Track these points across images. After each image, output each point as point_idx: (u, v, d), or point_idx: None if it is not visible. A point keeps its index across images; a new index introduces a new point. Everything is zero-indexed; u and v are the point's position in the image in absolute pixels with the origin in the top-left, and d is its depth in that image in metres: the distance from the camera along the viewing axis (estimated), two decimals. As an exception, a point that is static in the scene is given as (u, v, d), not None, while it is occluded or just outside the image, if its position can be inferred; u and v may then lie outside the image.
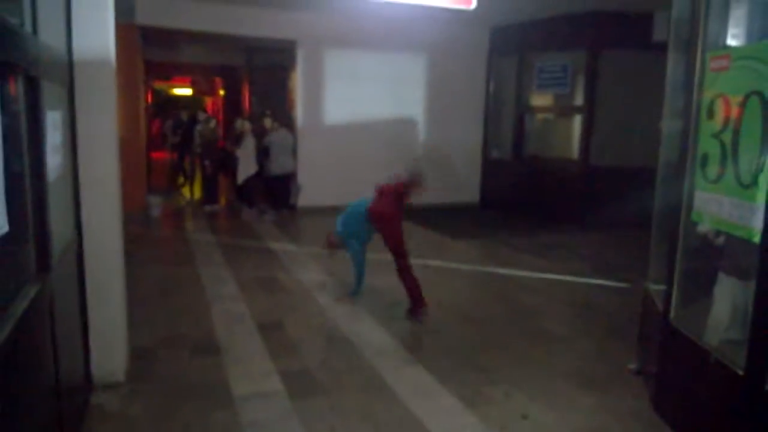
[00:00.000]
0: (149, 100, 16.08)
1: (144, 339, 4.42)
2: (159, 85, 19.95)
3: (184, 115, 13.19)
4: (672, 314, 3.48)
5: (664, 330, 3.52)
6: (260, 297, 5.63)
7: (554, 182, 10.19)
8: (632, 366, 4.15)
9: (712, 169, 3.08)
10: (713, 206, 3.09)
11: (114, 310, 3.74)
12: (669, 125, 4.26)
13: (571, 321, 5.23)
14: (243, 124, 10.17)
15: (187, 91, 21.06)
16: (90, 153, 3.47)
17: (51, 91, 2.77)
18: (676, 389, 3.44)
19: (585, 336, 4.86)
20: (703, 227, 3.47)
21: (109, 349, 3.73)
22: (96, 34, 3.46)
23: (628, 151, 9.74)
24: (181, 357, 4.21)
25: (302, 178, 10.50)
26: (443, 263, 7.10)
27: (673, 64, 4.15)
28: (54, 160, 2.81)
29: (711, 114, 3.10)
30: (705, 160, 3.16)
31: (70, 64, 3.32)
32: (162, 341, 4.46)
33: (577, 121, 10.02)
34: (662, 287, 3.87)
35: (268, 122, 9.89)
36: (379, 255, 7.30)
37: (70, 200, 3.30)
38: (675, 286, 3.46)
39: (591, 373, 4.12)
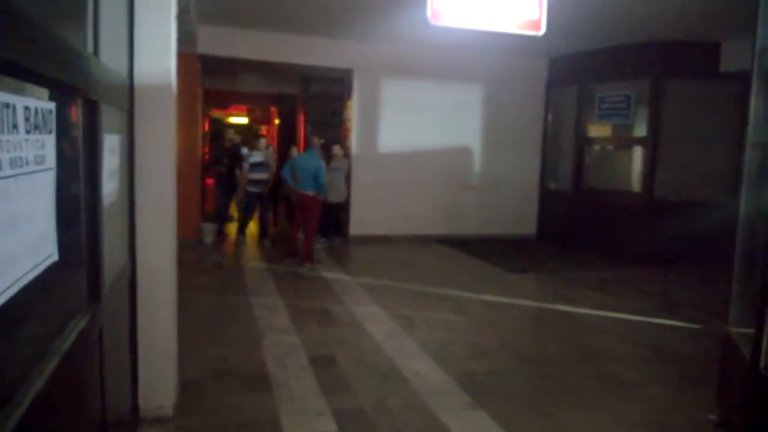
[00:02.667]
0: (207, 128, 16.37)
1: (194, 371, 4.30)
2: (216, 113, 20.33)
3: (227, 142, 10.48)
4: (762, 362, 3.14)
5: (753, 379, 3.18)
6: (312, 329, 5.46)
7: (615, 215, 9.78)
8: (712, 417, 3.79)
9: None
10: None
11: (165, 340, 3.63)
12: (752, 156, 3.94)
13: (640, 365, 4.87)
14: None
15: (243, 120, 21.40)
16: (147, 178, 3.40)
17: (110, 115, 2.70)
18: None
19: (657, 382, 4.51)
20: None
21: (158, 381, 3.60)
22: (158, 59, 3.41)
23: (693, 184, 9.31)
24: (232, 391, 4.05)
25: (355, 206, 10.40)
26: (500, 298, 6.80)
27: (757, 94, 3.85)
28: (110, 184, 2.72)
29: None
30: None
31: (131, 88, 3.27)
32: (212, 373, 4.33)
33: (640, 153, 9.64)
34: (747, 331, 3.55)
35: (336, 149, 9.72)
36: (435, 289, 7.10)
37: (125, 226, 3.21)
38: (766, 332, 3.13)
39: (667, 424, 3.79)
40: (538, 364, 4.80)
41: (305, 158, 8.33)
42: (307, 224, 8.27)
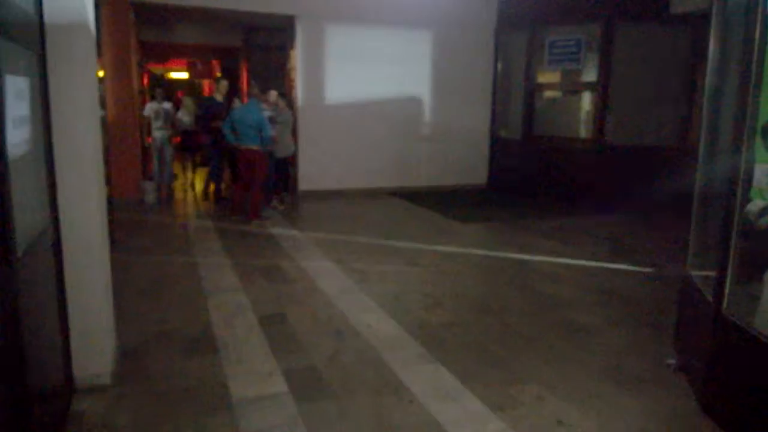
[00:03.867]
0: (146, 82, 15.60)
1: (134, 336, 4.04)
2: (155, 68, 19.43)
3: (219, 96, 9.53)
4: (725, 305, 3.09)
5: (716, 322, 3.13)
6: (262, 287, 5.24)
7: (566, 162, 9.77)
8: (671, 361, 3.76)
9: (778, 139, 2.69)
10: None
11: (98, 304, 3.36)
12: (712, 99, 3.83)
13: (596, 310, 4.84)
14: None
15: (183, 75, 20.53)
16: (66, 129, 3.07)
17: (13, 54, 2.38)
18: (731, 388, 3.06)
19: (614, 327, 4.48)
20: (754, 206, 3.11)
21: (93, 348, 3.35)
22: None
23: (645, 129, 9.34)
24: (175, 355, 3.82)
25: (303, 161, 10.11)
26: (454, 249, 6.70)
27: (718, 34, 3.73)
28: (19, 133, 2.41)
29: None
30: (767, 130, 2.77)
31: (41, 27, 2.91)
32: (154, 338, 4.08)
33: (590, 99, 9.58)
34: (707, 273, 3.51)
35: (279, 101, 9.19)
36: (387, 242, 6.94)
37: (43, 182, 2.90)
38: (729, 273, 3.07)
39: (627, 370, 3.74)
40: (494, 314, 4.72)
41: (245, 111, 7.86)
42: (255, 180, 7.93)
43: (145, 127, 10.14)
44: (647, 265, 6.16)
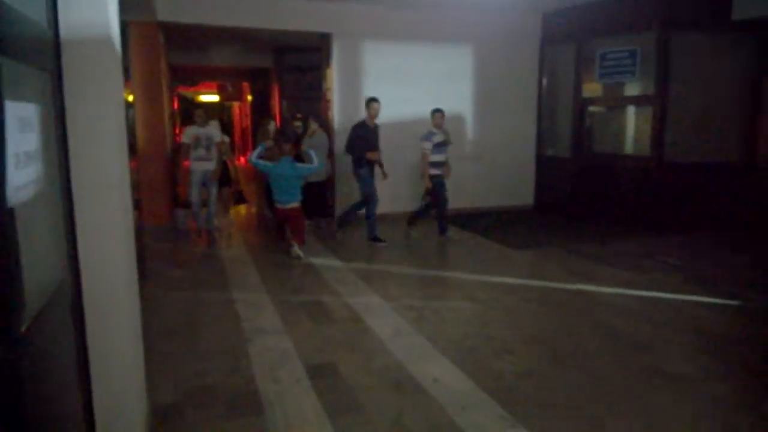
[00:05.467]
0: (176, 106, 15.37)
1: (168, 392, 3.55)
2: (184, 91, 19.28)
3: (371, 122, 8.17)
4: None
5: None
6: (307, 329, 4.72)
7: (621, 181, 9.11)
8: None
9: None
10: None
11: (126, 365, 2.86)
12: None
13: (687, 353, 4.22)
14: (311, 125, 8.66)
15: (213, 97, 20.35)
16: (87, 164, 2.59)
17: (18, 75, 1.92)
18: None
19: (714, 374, 3.86)
20: None
21: (121, 415, 2.85)
22: (92, 6, 2.59)
23: (707, 144, 8.69)
24: (214, 416, 3.32)
25: (340, 185, 9.64)
26: (512, 280, 6.12)
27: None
28: (26, 172, 1.94)
29: None
30: None
31: (57, 44, 2.46)
32: (191, 394, 3.58)
33: (646, 113, 8.94)
34: None
35: (312, 125, 8.82)
36: (437, 273, 6.38)
37: (60, 229, 2.42)
38: None
39: (740, 430, 3.13)
40: (573, 360, 4.13)
41: (281, 168, 7.24)
42: (296, 230, 7.36)
43: (183, 153, 8.49)
44: (730, 296, 5.50)
